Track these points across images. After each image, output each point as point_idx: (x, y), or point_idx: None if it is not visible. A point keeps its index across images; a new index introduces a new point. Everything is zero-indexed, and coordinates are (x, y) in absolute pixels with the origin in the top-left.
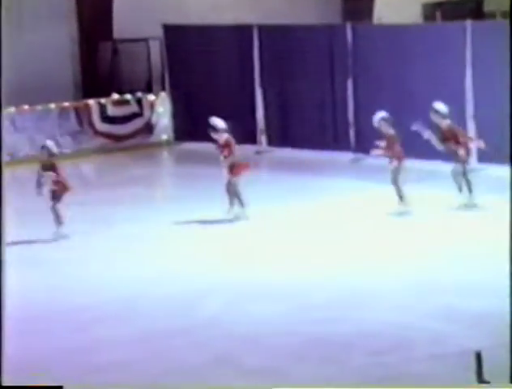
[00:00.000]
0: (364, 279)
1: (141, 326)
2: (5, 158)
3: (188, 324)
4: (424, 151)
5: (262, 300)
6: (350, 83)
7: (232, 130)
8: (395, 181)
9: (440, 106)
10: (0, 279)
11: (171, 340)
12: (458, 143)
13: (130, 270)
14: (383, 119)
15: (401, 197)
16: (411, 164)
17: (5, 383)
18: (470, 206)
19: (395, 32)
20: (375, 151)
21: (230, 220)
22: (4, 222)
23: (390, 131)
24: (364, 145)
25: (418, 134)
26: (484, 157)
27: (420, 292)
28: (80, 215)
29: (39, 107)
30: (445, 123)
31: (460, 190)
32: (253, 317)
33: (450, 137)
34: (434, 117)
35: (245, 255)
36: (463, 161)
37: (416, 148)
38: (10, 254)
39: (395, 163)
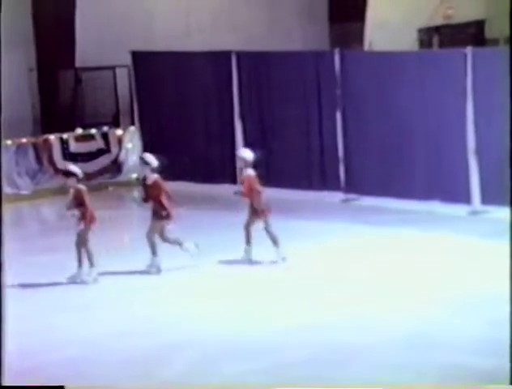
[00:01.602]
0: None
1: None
2: None
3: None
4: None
5: (234, 357)
6: (339, 116)
7: (210, 167)
8: (80, 245)
9: (150, 158)
10: (0, 279)
11: None
12: (161, 203)
13: (82, 326)
14: (73, 173)
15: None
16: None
17: (5, 383)
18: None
19: (388, 59)
20: (69, 212)
21: (198, 268)
22: (3, 224)
23: (80, 186)
24: (355, 184)
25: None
26: (487, 198)
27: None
28: (33, 262)
29: None
30: (152, 178)
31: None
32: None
33: (155, 194)
34: (143, 170)
35: (215, 308)
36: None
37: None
38: None
39: (83, 223)
